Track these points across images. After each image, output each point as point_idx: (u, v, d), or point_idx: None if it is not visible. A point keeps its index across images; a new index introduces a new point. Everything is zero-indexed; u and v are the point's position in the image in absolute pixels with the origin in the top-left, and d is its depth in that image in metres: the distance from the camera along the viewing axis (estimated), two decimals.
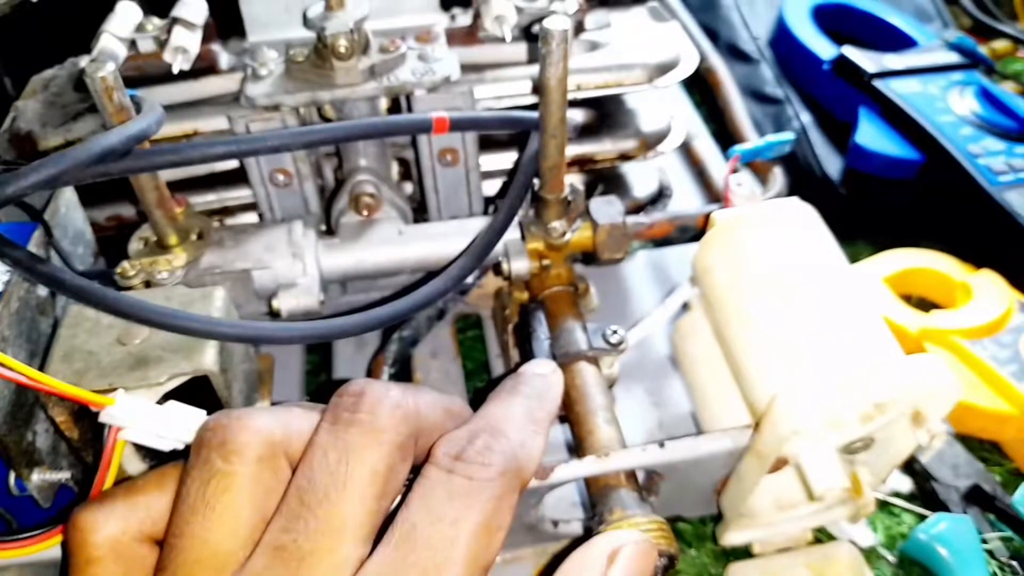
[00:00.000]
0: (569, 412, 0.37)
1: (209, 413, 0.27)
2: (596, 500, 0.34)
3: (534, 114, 0.37)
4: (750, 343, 0.34)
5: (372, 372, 0.42)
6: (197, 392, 0.33)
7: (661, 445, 0.34)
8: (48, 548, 0.30)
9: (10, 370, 0.29)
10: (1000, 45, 0.75)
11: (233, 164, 0.47)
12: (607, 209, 0.41)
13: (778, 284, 0.34)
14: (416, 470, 0.23)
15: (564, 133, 0.36)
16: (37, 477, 0.35)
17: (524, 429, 0.24)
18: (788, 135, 0.43)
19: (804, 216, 0.36)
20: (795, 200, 0.36)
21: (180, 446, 0.31)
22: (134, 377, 0.31)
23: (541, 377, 0.28)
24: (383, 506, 0.21)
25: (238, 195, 0.46)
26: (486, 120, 0.39)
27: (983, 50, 0.71)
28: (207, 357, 0.32)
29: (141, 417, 0.30)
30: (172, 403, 0.31)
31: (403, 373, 0.43)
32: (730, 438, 0.34)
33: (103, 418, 0.30)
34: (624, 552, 0.24)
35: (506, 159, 0.49)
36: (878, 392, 0.32)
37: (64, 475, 0.35)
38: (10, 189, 0.28)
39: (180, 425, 0.31)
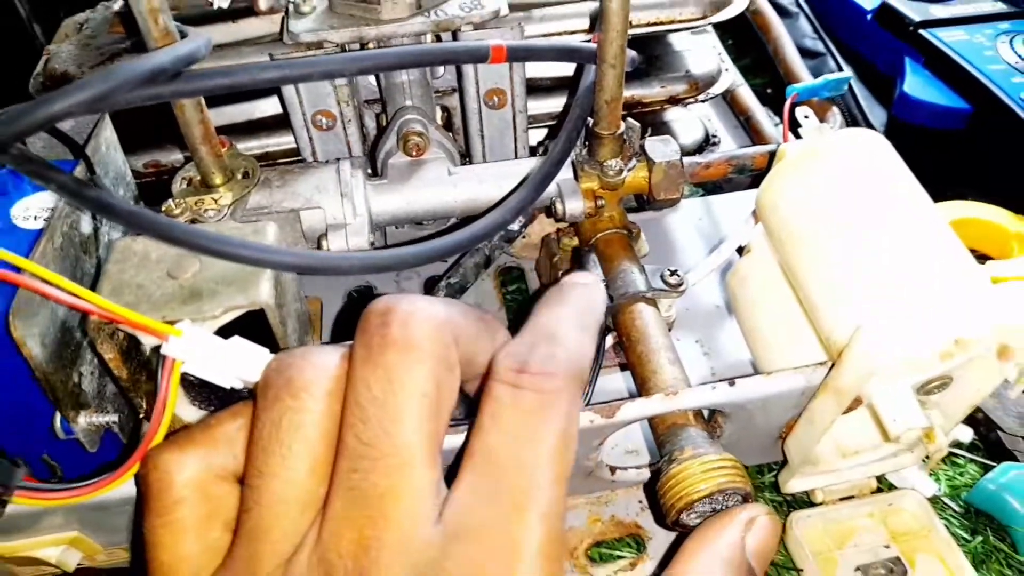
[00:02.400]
0: (630, 354, 0.36)
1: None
2: (664, 439, 0.33)
3: (592, 45, 0.36)
4: (825, 278, 0.33)
5: None
6: (249, 330, 0.32)
7: (731, 383, 0.32)
8: (104, 493, 0.29)
9: (78, 297, 0.28)
10: None
11: (274, 110, 0.45)
12: (663, 148, 0.40)
13: (853, 216, 0.33)
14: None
15: (623, 63, 0.35)
16: (84, 420, 0.34)
17: (578, 334, 0.23)
18: (845, 74, 0.41)
19: (877, 146, 0.34)
20: (866, 130, 0.35)
21: (239, 384, 0.30)
22: (187, 311, 0.30)
23: (584, 286, 0.26)
24: (441, 424, 0.21)
25: (279, 141, 0.45)
26: (543, 49, 0.37)
27: None
28: (263, 290, 0.30)
29: (204, 351, 0.28)
30: (237, 338, 0.29)
31: None
32: (804, 376, 0.33)
33: (166, 350, 0.28)
34: (760, 521, 0.25)
35: (552, 105, 0.47)
36: (963, 327, 0.31)
37: (111, 418, 0.34)
38: (60, 104, 0.26)
39: (243, 362, 0.29)
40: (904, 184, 0.33)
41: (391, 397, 0.20)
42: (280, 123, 0.44)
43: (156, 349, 0.32)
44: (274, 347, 0.31)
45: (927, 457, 0.40)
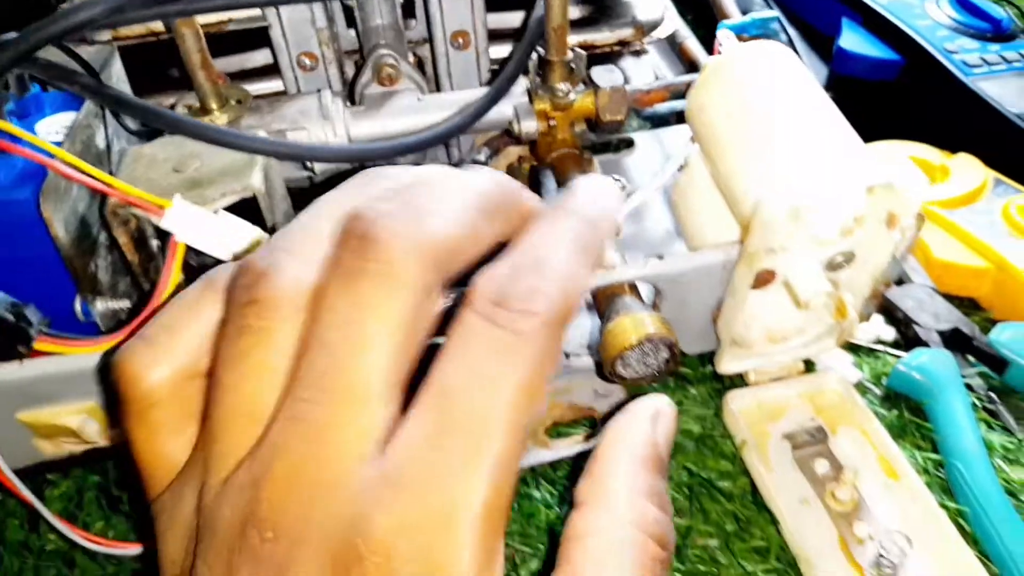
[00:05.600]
0: None
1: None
2: (603, 308, 0.37)
3: None
4: (739, 167, 0.38)
5: None
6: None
7: (660, 257, 0.37)
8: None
9: (84, 173, 0.33)
10: None
11: (264, 60, 0.51)
12: (607, 75, 0.45)
13: (761, 112, 0.38)
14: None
15: None
16: (100, 304, 0.39)
17: (573, 260, 0.20)
18: (772, 13, 0.47)
19: (781, 54, 0.40)
20: (772, 42, 0.40)
21: (230, 257, 0.35)
22: (190, 196, 0.35)
23: (595, 191, 0.23)
24: (411, 354, 0.19)
25: (268, 86, 0.50)
26: None
27: None
28: (254, 178, 0.36)
29: (198, 222, 0.34)
30: (224, 212, 0.35)
31: None
32: (723, 251, 0.38)
33: (163, 223, 0.34)
34: (664, 412, 0.24)
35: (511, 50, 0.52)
36: (856, 205, 0.36)
37: (125, 303, 0.39)
38: (82, 14, 0.32)
39: (232, 235, 0.35)
40: (803, 84, 0.39)
41: (356, 326, 0.18)
42: (268, 71, 0.50)
43: (162, 242, 0.38)
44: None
45: (855, 351, 0.45)
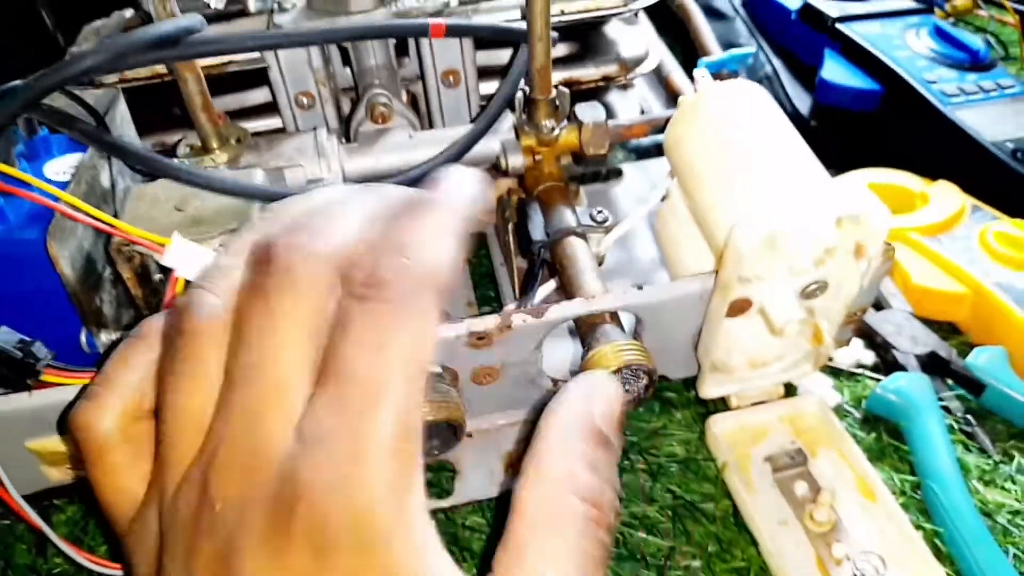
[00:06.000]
0: (562, 278, 0.43)
1: None
2: (585, 337, 0.39)
3: (522, 25, 0.43)
4: (715, 199, 0.39)
5: None
6: None
7: (639, 287, 0.39)
8: None
9: (90, 216, 0.35)
10: (960, 1, 0.80)
11: (263, 98, 0.53)
12: (591, 112, 0.47)
13: (737, 147, 0.40)
14: None
15: (548, 37, 0.42)
16: (105, 336, 0.40)
17: (432, 239, 0.22)
18: (749, 49, 0.49)
19: (754, 92, 0.41)
20: (746, 80, 0.42)
21: None
22: (190, 233, 0.37)
23: (455, 180, 0.24)
24: (319, 342, 0.21)
25: (267, 123, 0.52)
26: (478, 28, 0.45)
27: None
28: (253, 216, 0.38)
29: (197, 258, 0.35)
30: (221, 247, 0.36)
31: None
32: (699, 281, 0.39)
33: (164, 260, 0.35)
34: (598, 387, 0.25)
35: None
36: (826, 236, 0.37)
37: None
38: (86, 61, 0.34)
39: None
40: (774, 120, 0.40)
41: (268, 322, 0.21)
42: (267, 108, 0.52)
43: (164, 276, 0.39)
44: None
45: (836, 375, 0.47)
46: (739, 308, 0.40)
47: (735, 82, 0.42)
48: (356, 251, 0.22)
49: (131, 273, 0.38)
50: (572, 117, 0.47)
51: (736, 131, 0.40)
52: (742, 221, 0.36)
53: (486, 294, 0.53)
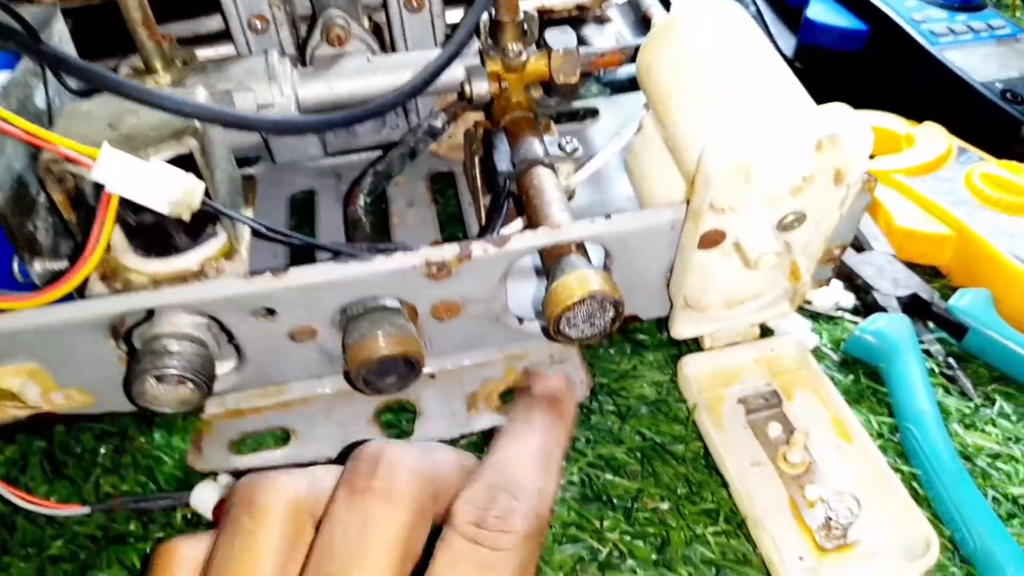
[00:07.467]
0: (528, 209, 0.41)
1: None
2: (550, 268, 0.37)
3: None
4: (687, 123, 0.37)
5: (349, 200, 0.45)
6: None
7: (608, 216, 0.37)
8: (53, 299, 0.33)
9: (9, 124, 0.32)
10: None
11: (216, 25, 0.50)
12: (561, 37, 0.44)
13: (711, 68, 0.37)
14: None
15: None
16: (39, 265, 0.38)
17: (540, 476, 0.24)
18: None
19: (734, 11, 0.39)
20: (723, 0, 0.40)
21: (166, 208, 0.34)
22: (122, 150, 0.34)
23: (555, 403, 0.26)
24: (405, 570, 0.22)
25: (219, 52, 0.49)
26: None
27: None
28: (189, 137, 0.35)
29: (130, 172, 0.33)
30: (157, 160, 0.34)
31: (377, 203, 0.47)
32: (671, 210, 0.37)
33: (94, 174, 0.33)
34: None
35: None
36: (805, 162, 0.35)
37: (63, 264, 0.38)
38: None
39: (167, 184, 0.34)
40: (752, 40, 0.38)
41: (361, 537, 0.21)
42: (221, 36, 0.49)
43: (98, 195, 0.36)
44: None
45: (815, 318, 0.45)
46: (712, 240, 0.38)
47: (711, 1, 0.39)
48: (457, 479, 0.24)
49: (63, 196, 0.35)
50: (542, 44, 0.45)
51: (712, 51, 0.37)
52: (713, 144, 0.34)
53: (454, 234, 0.51)
